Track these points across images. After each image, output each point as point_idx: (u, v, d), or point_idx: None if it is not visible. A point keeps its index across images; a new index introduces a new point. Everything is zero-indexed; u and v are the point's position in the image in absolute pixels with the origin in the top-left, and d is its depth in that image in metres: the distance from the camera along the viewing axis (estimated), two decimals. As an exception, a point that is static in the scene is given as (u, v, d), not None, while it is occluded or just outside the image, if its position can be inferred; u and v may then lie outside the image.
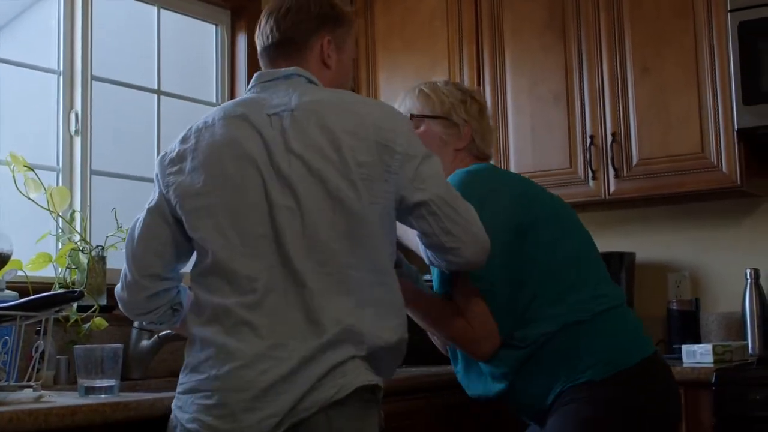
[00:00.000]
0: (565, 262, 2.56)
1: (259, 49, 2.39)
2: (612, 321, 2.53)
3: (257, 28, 2.40)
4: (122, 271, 2.38)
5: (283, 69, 2.30)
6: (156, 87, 4.02)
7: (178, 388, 2.19)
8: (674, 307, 3.96)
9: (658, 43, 3.88)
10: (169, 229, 2.29)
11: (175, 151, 2.28)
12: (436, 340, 2.77)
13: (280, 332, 2.09)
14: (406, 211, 2.23)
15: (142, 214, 2.34)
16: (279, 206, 2.13)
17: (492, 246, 2.32)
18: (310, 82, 2.30)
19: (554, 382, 2.48)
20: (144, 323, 2.78)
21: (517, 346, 2.50)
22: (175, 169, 2.26)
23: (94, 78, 3.73)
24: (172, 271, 2.36)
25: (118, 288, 2.40)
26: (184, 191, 2.23)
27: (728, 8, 3.67)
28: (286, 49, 2.33)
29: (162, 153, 2.34)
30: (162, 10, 4.10)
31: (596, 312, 2.51)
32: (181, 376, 2.20)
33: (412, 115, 2.72)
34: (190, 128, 2.30)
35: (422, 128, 2.71)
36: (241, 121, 2.21)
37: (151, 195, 2.34)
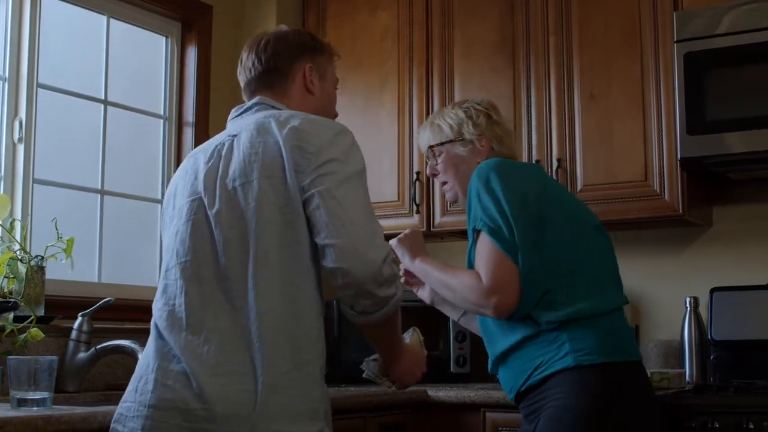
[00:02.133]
0: (583, 259, 2.66)
1: (242, 84, 2.43)
2: (614, 320, 2.63)
3: (239, 64, 2.44)
4: None
5: (248, 102, 2.35)
6: (103, 97, 3.99)
7: None
8: (614, 333, 3.97)
9: (605, 70, 3.92)
10: None
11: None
12: (464, 319, 2.95)
13: None
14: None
15: None
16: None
17: (519, 216, 2.51)
18: (273, 108, 2.31)
19: (538, 359, 2.54)
20: None
21: (531, 325, 2.56)
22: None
23: (40, 85, 3.69)
24: None
25: None
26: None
27: (675, 39, 3.72)
28: (269, 79, 2.38)
29: None
30: (111, 20, 4.07)
31: (605, 311, 2.59)
32: None
33: (430, 147, 2.87)
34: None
35: (443, 155, 2.86)
36: (189, 158, 2.32)
37: None
